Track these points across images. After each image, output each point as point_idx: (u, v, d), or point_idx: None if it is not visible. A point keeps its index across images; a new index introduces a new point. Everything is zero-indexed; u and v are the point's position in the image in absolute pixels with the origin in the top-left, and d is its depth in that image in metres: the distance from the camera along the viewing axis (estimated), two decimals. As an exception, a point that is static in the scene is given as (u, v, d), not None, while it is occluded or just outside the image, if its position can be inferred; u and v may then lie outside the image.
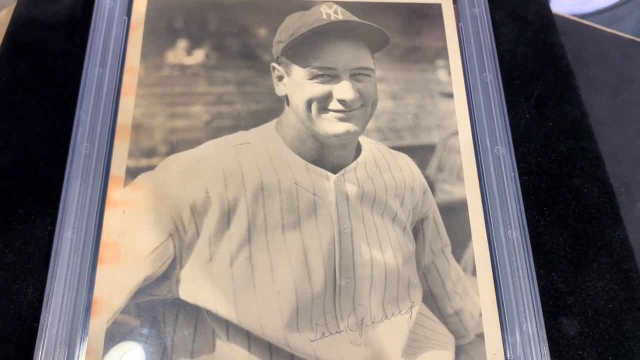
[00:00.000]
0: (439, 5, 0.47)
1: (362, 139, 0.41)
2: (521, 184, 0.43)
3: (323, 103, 0.40)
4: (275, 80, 0.42)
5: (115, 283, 0.35)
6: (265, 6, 0.45)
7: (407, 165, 0.41)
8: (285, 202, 0.38)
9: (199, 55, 0.43)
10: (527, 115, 0.46)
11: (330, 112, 0.40)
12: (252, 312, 0.35)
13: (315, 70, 0.40)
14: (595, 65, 0.51)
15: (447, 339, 0.36)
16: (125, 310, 0.35)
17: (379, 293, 0.36)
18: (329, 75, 0.40)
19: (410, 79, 0.44)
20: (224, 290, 0.35)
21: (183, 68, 0.43)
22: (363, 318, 0.36)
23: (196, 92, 0.42)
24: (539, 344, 0.35)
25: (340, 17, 0.42)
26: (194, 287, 0.35)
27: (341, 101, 0.40)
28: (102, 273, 0.36)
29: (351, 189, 0.39)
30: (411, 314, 0.36)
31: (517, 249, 0.38)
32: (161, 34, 0.44)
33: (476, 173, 0.41)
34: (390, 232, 0.38)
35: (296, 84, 0.41)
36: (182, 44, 0.44)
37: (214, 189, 0.38)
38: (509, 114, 0.44)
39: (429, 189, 0.40)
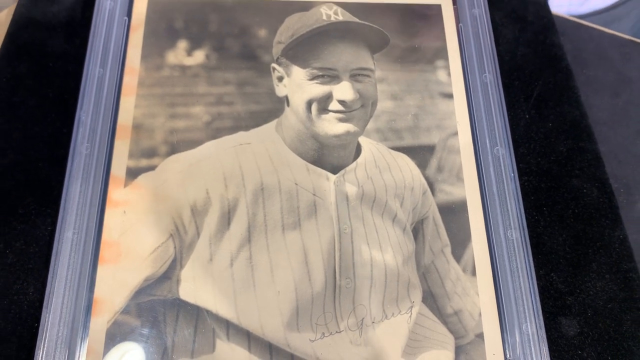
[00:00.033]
0: (438, 6, 0.47)
1: (362, 140, 0.41)
2: (521, 184, 0.43)
3: (323, 104, 0.40)
4: (275, 81, 0.42)
5: (116, 283, 0.35)
6: (266, 7, 0.45)
7: (407, 165, 0.41)
8: (285, 202, 0.38)
9: (199, 56, 0.43)
10: (527, 116, 0.46)
11: (330, 113, 0.40)
12: (252, 312, 0.35)
13: (315, 71, 0.40)
14: (595, 66, 0.51)
15: (446, 339, 0.36)
16: (125, 311, 0.35)
17: (378, 293, 0.37)
18: (329, 76, 0.40)
19: (410, 80, 0.44)
20: (224, 290, 0.35)
21: (183, 69, 0.43)
22: (363, 318, 0.36)
23: (196, 93, 0.42)
24: (539, 344, 0.35)
25: (340, 18, 0.42)
26: (195, 287, 0.35)
27: (341, 102, 0.40)
28: (103, 273, 0.36)
29: (351, 189, 0.39)
30: (411, 314, 0.36)
31: (516, 249, 0.38)
32: (161, 34, 0.44)
33: (476, 173, 0.41)
34: (390, 232, 0.38)
35: (296, 84, 0.41)
36: (182, 44, 0.44)
37: (214, 189, 0.38)
38: (508, 115, 0.45)
39: (428, 189, 0.40)
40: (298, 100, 0.40)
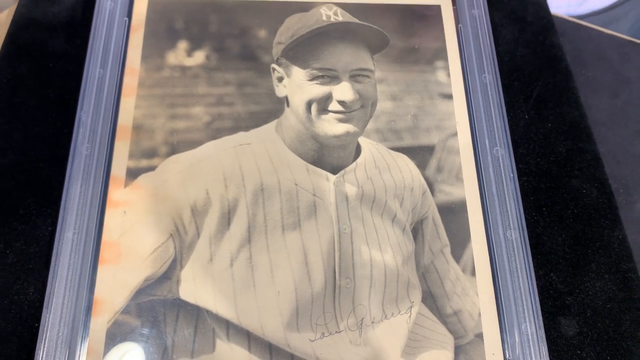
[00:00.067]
0: (438, 7, 0.47)
1: (362, 140, 0.41)
2: (520, 184, 0.43)
3: (323, 104, 0.40)
4: (275, 82, 0.42)
5: (116, 283, 0.35)
6: (266, 8, 0.45)
7: (406, 166, 0.41)
8: (285, 202, 0.38)
9: (199, 57, 0.43)
10: (526, 116, 0.46)
11: (330, 113, 0.40)
12: (252, 312, 0.35)
13: (315, 72, 0.40)
14: (594, 67, 0.52)
15: (446, 339, 0.36)
16: (126, 311, 0.35)
17: (378, 293, 0.37)
18: (329, 77, 0.40)
19: (409, 80, 0.44)
20: (224, 290, 0.36)
21: (183, 69, 0.43)
22: (363, 318, 0.36)
23: (196, 94, 0.42)
24: (538, 344, 0.35)
25: (340, 18, 0.42)
26: (195, 287, 0.36)
27: (341, 102, 0.40)
28: (103, 273, 0.36)
29: (351, 189, 0.39)
30: (410, 314, 0.36)
31: (516, 250, 0.38)
32: (162, 35, 0.44)
33: (475, 174, 0.41)
34: (389, 232, 0.38)
35: (296, 85, 0.41)
36: (182, 45, 0.44)
37: (214, 189, 0.38)
38: (508, 115, 0.45)
39: (428, 189, 0.40)
40: (298, 101, 0.40)
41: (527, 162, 0.44)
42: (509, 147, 0.41)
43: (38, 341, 0.33)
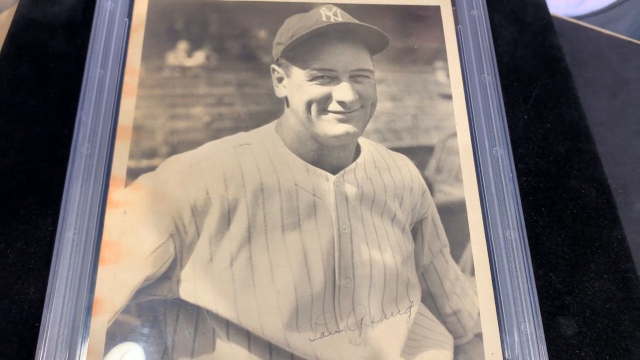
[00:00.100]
0: (437, 8, 0.47)
1: (362, 140, 0.41)
2: (519, 184, 0.43)
3: (323, 104, 0.40)
4: (275, 82, 0.42)
5: (116, 283, 0.35)
6: (266, 8, 0.45)
7: (406, 166, 0.41)
8: (285, 202, 0.38)
9: (199, 57, 0.43)
10: (526, 117, 0.47)
11: (330, 114, 0.40)
12: (252, 312, 0.35)
13: (314, 72, 0.41)
14: (593, 67, 0.52)
15: (445, 338, 0.36)
16: (126, 310, 0.35)
17: (378, 293, 0.37)
18: (329, 77, 0.40)
19: (409, 81, 0.44)
20: (224, 290, 0.36)
21: (183, 69, 0.43)
22: (362, 318, 0.36)
23: (197, 94, 0.42)
24: (537, 344, 0.35)
25: (340, 19, 0.42)
26: (195, 287, 0.36)
27: (340, 102, 0.40)
28: (103, 273, 0.36)
29: (350, 189, 0.39)
30: (410, 313, 0.37)
31: (515, 250, 0.38)
32: (162, 35, 0.44)
33: (475, 174, 0.41)
34: (389, 232, 0.39)
35: (296, 85, 0.41)
36: (182, 45, 0.44)
37: (214, 189, 0.38)
38: (507, 116, 0.45)
39: (427, 189, 0.40)
40: (298, 101, 0.40)
41: (526, 162, 0.44)
42: (508, 148, 0.41)
43: (38, 341, 0.33)
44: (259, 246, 0.37)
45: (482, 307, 0.37)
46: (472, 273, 0.38)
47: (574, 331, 0.38)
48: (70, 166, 0.38)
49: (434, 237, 0.39)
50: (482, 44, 0.45)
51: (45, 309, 0.34)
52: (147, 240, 0.37)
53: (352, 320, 0.36)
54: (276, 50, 0.42)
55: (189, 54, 0.44)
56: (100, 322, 0.34)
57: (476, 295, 0.37)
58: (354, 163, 0.40)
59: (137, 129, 0.40)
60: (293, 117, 0.40)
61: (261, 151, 0.40)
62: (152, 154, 0.39)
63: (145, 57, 0.43)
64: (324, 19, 0.42)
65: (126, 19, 0.44)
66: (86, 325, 0.34)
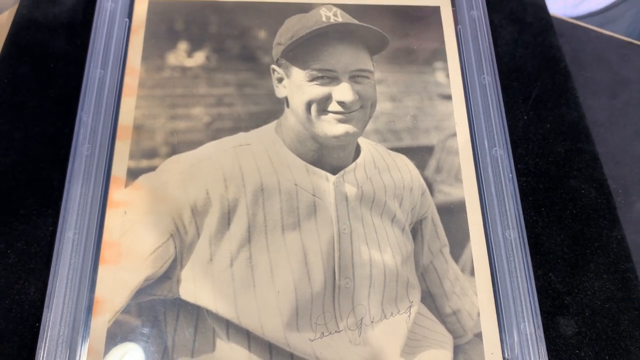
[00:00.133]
0: (437, 8, 0.47)
1: (361, 141, 0.41)
2: (519, 185, 0.43)
3: (322, 105, 0.40)
4: (275, 82, 0.42)
5: (117, 283, 0.36)
6: (265, 9, 0.46)
7: (405, 166, 0.41)
8: (285, 202, 0.38)
9: (199, 57, 0.44)
10: (525, 117, 0.47)
11: (330, 114, 0.40)
12: (252, 312, 0.35)
13: (314, 72, 0.41)
14: (593, 67, 0.52)
15: (445, 338, 0.36)
16: (126, 310, 0.35)
17: (378, 293, 0.37)
18: (329, 77, 0.41)
19: (409, 81, 0.44)
20: (224, 290, 0.36)
21: (184, 70, 0.43)
22: (362, 318, 0.36)
23: (197, 94, 0.42)
24: (537, 344, 0.35)
25: (340, 19, 0.42)
26: (195, 287, 0.36)
27: (340, 103, 0.40)
28: (104, 273, 0.36)
29: (350, 189, 0.39)
30: (410, 313, 0.37)
31: (515, 250, 0.38)
32: (162, 36, 0.44)
33: (474, 174, 0.41)
34: (389, 232, 0.39)
35: (296, 85, 0.41)
36: (182, 46, 0.44)
37: (214, 189, 0.38)
38: (507, 116, 0.45)
39: (427, 190, 0.40)
40: (298, 102, 0.40)
41: (526, 163, 0.45)
42: (507, 148, 0.41)
43: (39, 341, 0.33)
44: (259, 246, 0.37)
45: (482, 307, 0.37)
46: (472, 273, 0.38)
47: (573, 331, 0.38)
48: (71, 166, 0.38)
49: (434, 237, 0.39)
50: (482, 44, 0.45)
51: (45, 309, 0.34)
52: (147, 240, 0.37)
53: (352, 320, 0.36)
54: (276, 51, 0.42)
55: (189, 54, 0.44)
56: (100, 322, 0.34)
57: (476, 295, 0.37)
58: (353, 163, 0.40)
59: (138, 129, 0.40)
60: (293, 117, 0.40)
61: (261, 151, 0.40)
62: (152, 154, 0.40)
63: (145, 57, 0.43)
64: (323, 19, 0.42)
65: (126, 20, 0.44)
66: (86, 325, 0.34)
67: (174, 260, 0.36)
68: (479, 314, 0.37)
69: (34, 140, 0.42)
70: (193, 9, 0.45)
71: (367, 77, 0.42)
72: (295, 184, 0.39)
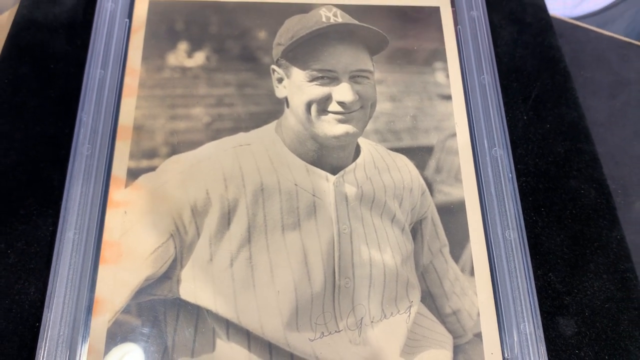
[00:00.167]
0: (437, 8, 0.47)
1: (361, 141, 0.41)
2: (519, 185, 0.43)
3: (322, 105, 0.40)
4: (275, 83, 0.42)
5: (117, 283, 0.36)
6: (266, 9, 0.46)
7: (405, 166, 0.41)
8: (285, 202, 0.38)
9: (199, 58, 0.44)
10: (525, 117, 0.47)
11: (330, 114, 0.40)
12: (252, 312, 0.35)
13: (314, 73, 0.41)
14: (593, 68, 0.52)
15: (445, 338, 0.36)
16: (126, 310, 0.35)
17: (377, 293, 0.37)
18: (329, 78, 0.41)
19: (408, 81, 0.44)
20: (224, 290, 0.36)
21: (184, 70, 0.43)
22: (362, 318, 0.36)
23: (197, 94, 0.42)
24: (537, 344, 0.36)
25: (340, 20, 0.42)
26: (195, 287, 0.36)
27: (340, 103, 0.40)
28: (104, 273, 0.36)
29: (350, 190, 0.39)
30: (410, 313, 0.37)
31: (514, 250, 0.38)
32: (162, 36, 0.44)
33: (474, 174, 0.41)
34: (389, 232, 0.39)
35: (296, 86, 0.41)
36: (183, 46, 0.44)
37: (214, 190, 0.38)
38: (506, 116, 0.45)
39: (427, 190, 0.40)
40: (298, 102, 0.41)
41: (525, 163, 0.45)
42: (507, 148, 0.41)
43: (39, 340, 0.33)
44: (259, 246, 0.37)
45: (482, 307, 0.37)
46: (472, 273, 0.38)
47: (573, 331, 0.38)
48: (71, 166, 0.38)
49: (434, 237, 0.39)
50: (482, 44, 0.45)
51: (45, 309, 0.34)
52: (147, 240, 0.37)
53: (351, 320, 0.36)
54: (276, 51, 0.42)
55: (189, 54, 0.44)
56: (100, 322, 0.35)
57: (475, 295, 0.37)
58: (353, 163, 0.40)
59: (138, 129, 0.41)
60: (293, 117, 0.41)
61: (261, 151, 0.40)
62: (152, 154, 0.40)
63: (145, 57, 0.43)
64: (323, 19, 0.42)
65: (126, 20, 0.44)
66: (86, 325, 0.34)
67: (174, 260, 0.36)
68: (478, 314, 0.37)
69: (34, 141, 0.42)
70: (193, 9, 0.46)
71: (367, 78, 0.42)
72: (295, 184, 0.39)
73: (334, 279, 0.37)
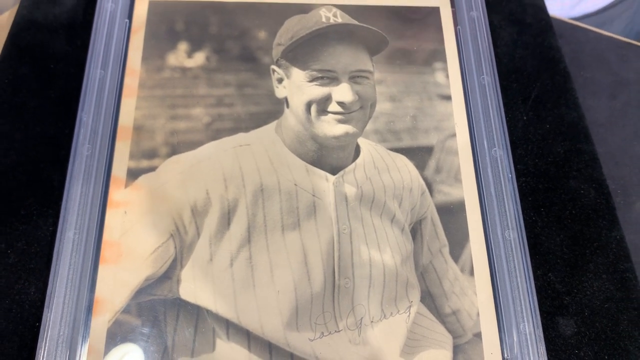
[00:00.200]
0: (437, 9, 0.47)
1: (361, 141, 0.41)
2: (518, 185, 0.43)
3: (322, 105, 0.40)
4: (275, 83, 0.42)
5: (117, 283, 0.36)
6: (265, 9, 0.46)
7: (405, 166, 0.41)
8: (284, 203, 0.38)
9: (199, 58, 0.44)
10: (525, 117, 0.47)
11: (330, 114, 0.40)
12: (252, 312, 0.35)
13: (314, 73, 0.41)
14: (592, 68, 0.52)
15: (445, 338, 0.36)
16: (126, 310, 0.35)
17: (377, 293, 0.37)
18: (328, 78, 0.41)
19: (408, 82, 0.44)
20: (224, 290, 0.36)
21: (184, 70, 0.43)
22: (362, 318, 0.36)
23: (197, 94, 0.42)
24: (536, 344, 0.36)
25: (340, 20, 0.42)
26: (195, 287, 0.36)
27: (340, 103, 0.40)
28: (104, 273, 0.36)
29: (350, 190, 0.39)
30: (409, 313, 0.37)
31: (514, 250, 0.38)
32: (162, 36, 0.44)
33: (474, 174, 0.41)
34: (388, 232, 0.39)
35: (296, 86, 0.41)
36: (182, 46, 0.44)
37: (214, 190, 0.38)
38: (506, 116, 0.45)
39: (427, 190, 0.40)
40: (297, 102, 0.41)
41: (525, 163, 0.45)
42: (507, 148, 0.41)
43: (39, 340, 0.33)
44: (259, 246, 0.37)
45: (481, 307, 0.37)
46: (471, 273, 0.38)
47: (572, 331, 0.38)
48: (71, 166, 0.38)
49: (433, 237, 0.39)
50: (482, 45, 0.45)
51: (45, 309, 0.34)
52: (147, 240, 0.37)
53: (351, 320, 0.36)
54: (276, 51, 0.43)
55: (189, 54, 0.44)
56: (100, 322, 0.35)
57: (475, 295, 0.37)
58: (353, 163, 0.40)
59: (138, 129, 0.41)
60: (293, 117, 0.41)
61: (261, 152, 0.40)
62: (152, 154, 0.40)
63: (145, 58, 0.43)
64: (323, 20, 0.42)
65: (126, 20, 0.44)
66: (86, 325, 0.34)
67: (174, 260, 0.36)
68: (478, 314, 0.37)
69: (34, 141, 0.43)
70: (193, 10, 0.46)
71: (367, 78, 0.42)
72: (295, 184, 0.39)
73: (333, 279, 0.37)
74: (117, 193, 0.38)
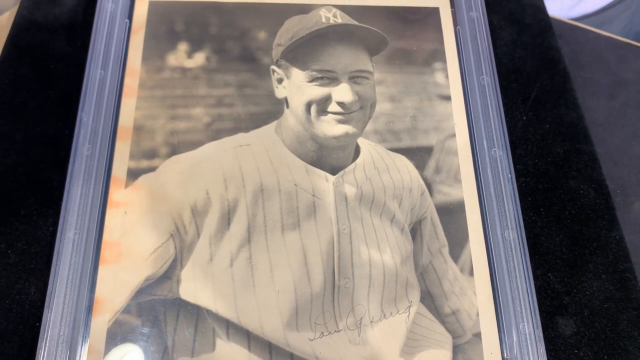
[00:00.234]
0: (436, 9, 0.47)
1: (361, 141, 0.41)
2: (518, 185, 0.43)
3: (322, 105, 0.40)
4: (274, 83, 0.42)
5: (117, 283, 0.36)
6: (265, 10, 0.46)
7: (405, 166, 0.41)
8: (284, 203, 0.38)
9: (199, 58, 0.44)
10: (524, 118, 0.47)
11: (330, 115, 0.40)
12: (252, 312, 0.35)
13: (314, 73, 0.41)
14: (592, 68, 0.52)
15: (444, 338, 0.36)
16: (126, 310, 0.35)
17: (377, 293, 0.37)
18: (328, 78, 0.41)
19: (408, 82, 0.44)
20: (224, 290, 0.36)
21: (184, 71, 0.43)
22: (361, 318, 0.36)
23: (197, 95, 0.42)
24: (536, 344, 0.36)
25: (340, 20, 0.43)
26: (195, 287, 0.36)
27: (340, 103, 0.40)
28: (104, 273, 0.36)
29: (350, 190, 0.39)
30: (409, 313, 0.37)
31: (514, 250, 0.38)
32: (162, 37, 0.44)
33: (473, 175, 0.41)
34: (388, 232, 0.39)
35: (296, 86, 0.41)
36: (183, 47, 0.44)
37: (214, 190, 0.38)
38: (506, 117, 0.45)
39: (426, 190, 0.41)
40: (297, 102, 0.41)
41: (525, 163, 0.45)
42: (507, 148, 0.42)
43: (39, 340, 0.33)
44: (258, 246, 0.37)
45: (481, 307, 0.37)
46: (471, 273, 0.38)
47: (572, 331, 0.38)
48: (71, 167, 0.38)
49: (433, 237, 0.39)
50: (481, 45, 0.45)
51: (46, 309, 0.34)
52: (147, 240, 0.37)
53: (351, 320, 0.36)
54: (276, 52, 0.43)
55: (189, 55, 0.44)
56: (100, 322, 0.35)
57: (475, 295, 0.37)
58: (353, 164, 0.40)
59: (138, 129, 0.41)
60: (293, 118, 0.41)
61: (261, 152, 0.40)
62: (152, 154, 0.40)
63: (145, 58, 0.43)
64: (323, 20, 0.42)
65: (127, 20, 0.44)
66: (87, 325, 0.34)
67: (174, 260, 0.36)
68: (478, 314, 0.37)
69: (34, 141, 0.43)
70: (193, 10, 0.46)
71: (367, 78, 0.42)
72: (295, 184, 0.39)
73: (333, 279, 0.37)
74: (117, 193, 0.38)
